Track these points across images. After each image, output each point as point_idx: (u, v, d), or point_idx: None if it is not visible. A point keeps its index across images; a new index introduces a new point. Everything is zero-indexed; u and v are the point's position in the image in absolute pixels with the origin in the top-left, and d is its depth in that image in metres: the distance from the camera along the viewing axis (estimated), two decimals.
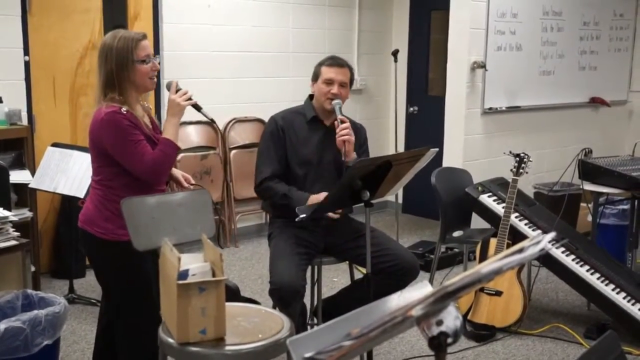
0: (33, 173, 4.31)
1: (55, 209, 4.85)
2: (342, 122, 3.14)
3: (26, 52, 4.59)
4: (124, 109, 2.65)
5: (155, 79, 2.81)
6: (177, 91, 2.79)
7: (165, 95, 2.88)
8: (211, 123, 5.44)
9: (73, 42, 4.86)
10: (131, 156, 2.65)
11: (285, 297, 2.96)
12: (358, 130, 3.39)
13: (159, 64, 2.81)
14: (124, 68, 2.66)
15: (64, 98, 4.87)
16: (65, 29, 4.81)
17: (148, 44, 2.75)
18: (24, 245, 3.29)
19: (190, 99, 2.79)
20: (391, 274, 3.12)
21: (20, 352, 2.69)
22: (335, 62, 3.28)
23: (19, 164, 4.39)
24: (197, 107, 2.87)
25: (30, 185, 4.24)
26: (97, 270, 2.90)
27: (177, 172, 2.96)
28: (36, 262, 4.39)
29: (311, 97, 3.37)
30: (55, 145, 4.36)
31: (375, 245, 3.03)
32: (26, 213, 4.26)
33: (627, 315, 3.72)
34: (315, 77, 3.30)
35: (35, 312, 2.78)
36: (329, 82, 3.23)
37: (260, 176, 3.26)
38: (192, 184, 2.96)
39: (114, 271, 2.77)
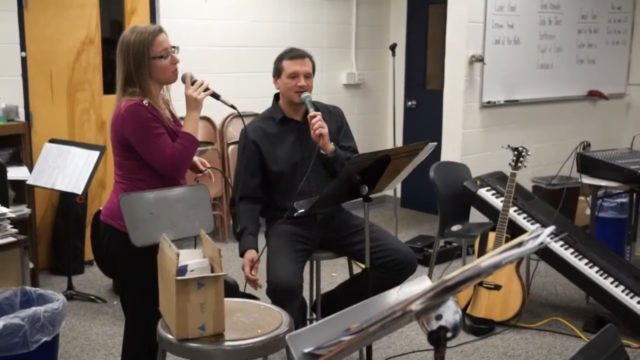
0: (31, 169, 4.30)
1: (53, 206, 4.84)
2: (313, 116, 3.11)
3: (23, 48, 4.58)
4: (145, 102, 2.62)
5: (177, 72, 2.74)
6: (192, 83, 2.74)
7: (174, 87, 2.83)
8: (210, 120, 5.51)
9: (70, 38, 4.84)
10: (152, 149, 2.62)
11: (281, 296, 2.95)
12: (332, 114, 3.36)
13: (177, 52, 2.73)
14: (142, 65, 2.62)
15: (61, 94, 4.85)
16: (62, 24, 4.79)
17: (165, 38, 2.69)
18: (22, 242, 3.28)
19: (207, 88, 2.75)
20: (389, 269, 3.11)
21: (19, 349, 2.68)
22: (296, 54, 3.23)
23: (17, 161, 4.38)
24: (215, 96, 2.81)
25: (28, 182, 4.23)
26: (117, 265, 2.85)
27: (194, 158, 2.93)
28: (34, 259, 4.38)
29: (277, 97, 3.34)
30: (52, 141, 4.35)
31: (373, 240, 3.02)
32: (24, 210, 4.25)
33: (626, 309, 3.72)
34: (278, 73, 3.24)
35: (34, 308, 2.77)
36: (294, 75, 3.18)
37: (235, 193, 3.28)
38: (208, 167, 2.94)
39: (134, 265, 2.69)
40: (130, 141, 2.64)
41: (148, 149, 2.62)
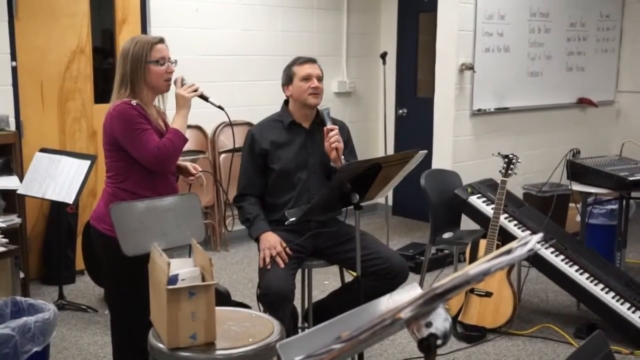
0: (21, 179, 4.29)
1: (44, 215, 4.83)
2: (331, 129, 3.16)
3: (13, 57, 4.57)
4: (133, 102, 2.72)
5: (170, 82, 2.85)
6: (182, 85, 2.86)
7: (172, 98, 2.93)
8: (201, 129, 5.51)
9: (60, 47, 4.84)
10: (137, 143, 2.69)
11: (273, 302, 2.95)
12: (340, 129, 3.39)
13: (175, 65, 2.85)
14: (138, 68, 2.74)
15: (52, 103, 4.84)
16: (53, 34, 4.79)
17: (164, 48, 2.81)
18: (13, 252, 3.27)
19: (196, 90, 2.87)
20: (381, 277, 3.12)
21: None
22: (306, 59, 3.31)
23: (7, 170, 4.36)
24: (203, 97, 2.92)
25: (18, 192, 4.22)
26: (104, 269, 2.91)
27: (184, 162, 3.00)
28: (25, 269, 4.36)
29: (286, 102, 3.37)
30: (43, 150, 4.34)
31: (365, 248, 3.03)
32: (15, 219, 4.23)
33: (616, 315, 3.74)
34: (289, 79, 3.29)
35: (25, 319, 2.76)
36: (307, 77, 3.24)
37: (238, 189, 3.35)
38: (199, 171, 3.00)
39: (119, 268, 2.73)
40: (118, 139, 2.72)
41: (133, 143, 2.70)
